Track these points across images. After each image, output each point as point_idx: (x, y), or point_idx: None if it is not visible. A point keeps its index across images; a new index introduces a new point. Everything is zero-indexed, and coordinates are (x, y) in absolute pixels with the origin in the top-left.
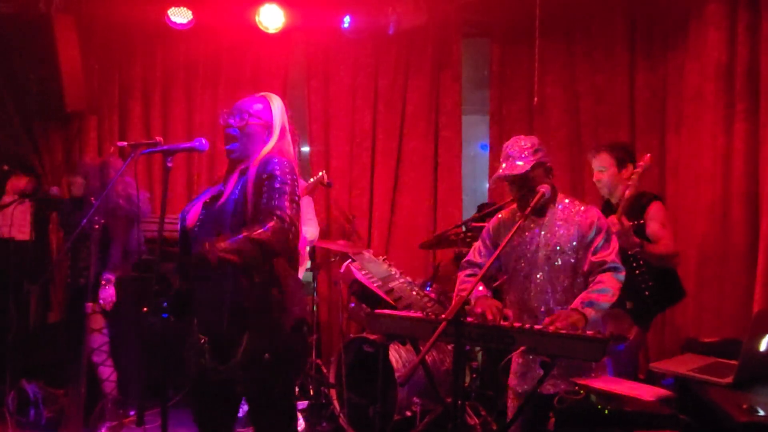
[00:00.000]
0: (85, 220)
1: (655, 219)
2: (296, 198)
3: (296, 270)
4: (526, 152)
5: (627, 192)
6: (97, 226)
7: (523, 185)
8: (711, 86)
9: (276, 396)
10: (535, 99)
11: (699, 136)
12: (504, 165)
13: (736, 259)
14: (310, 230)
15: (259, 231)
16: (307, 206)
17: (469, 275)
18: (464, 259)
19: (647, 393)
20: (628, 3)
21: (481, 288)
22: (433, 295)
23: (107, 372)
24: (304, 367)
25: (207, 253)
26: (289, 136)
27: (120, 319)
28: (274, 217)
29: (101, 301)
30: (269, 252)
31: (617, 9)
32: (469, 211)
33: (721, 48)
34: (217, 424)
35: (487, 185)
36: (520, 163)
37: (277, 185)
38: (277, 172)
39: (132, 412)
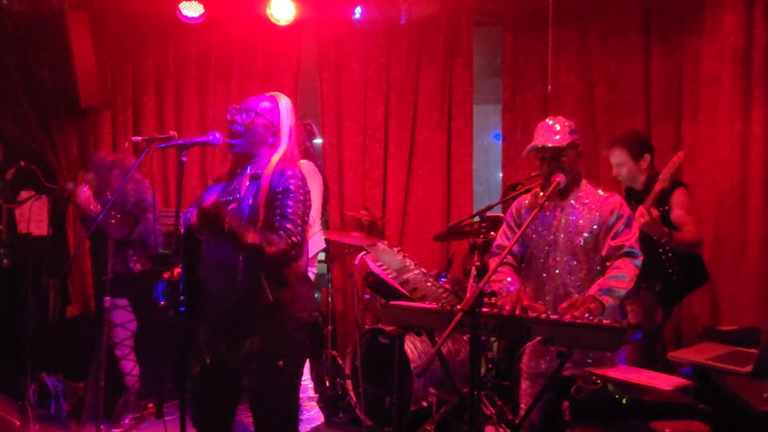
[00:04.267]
0: (101, 216)
1: (679, 205)
2: (306, 215)
3: (305, 274)
4: (562, 129)
5: (658, 186)
6: (113, 221)
7: (553, 160)
8: (728, 71)
9: (282, 394)
10: (549, 87)
11: (716, 122)
12: (538, 138)
13: (754, 247)
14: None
15: (268, 242)
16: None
17: (502, 264)
18: (494, 245)
19: (665, 382)
20: None
21: (510, 279)
22: (447, 286)
23: (129, 366)
24: (318, 359)
25: (220, 216)
26: (294, 138)
27: (140, 312)
28: (283, 238)
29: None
30: (265, 261)
31: None
32: (482, 201)
33: (738, 32)
34: (218, 422)
35: (501, 175)
36: (557, 137)
37: (290, 203)
38: (292, 188)
39: (150, 404)
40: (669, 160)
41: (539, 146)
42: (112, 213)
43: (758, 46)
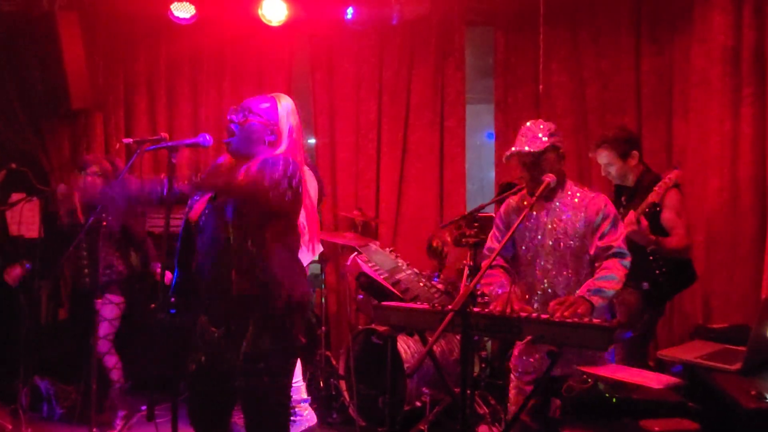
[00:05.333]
0: (91, 219)
1: (670, 207)
2: (293, 179)
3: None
4: (541, 134)
5: (651, 198)
6: (105, 223)
7: (534, 165)
8: (717, 70)
9: (272, 394)
10: (541, 86)
11: (706, 121)
12: (517, 143)
13: (745, 245)
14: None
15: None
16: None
17: (493, 266)
18: (485, 247)
19: (655, 381)
20: None
21: (502, 282)
22: (440, 286)
23: (113, 360)
24: (311, 356)
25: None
26: (297, 139)
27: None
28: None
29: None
30: (235, 195)
31: None
32: (474, 201)
33: (727, 32)
34: (214, 421)
35: (494, 174)
36: (535, 141)
37: (277, 165)
38: (280, 163)
39: (143, 407)
40: (659, 160)
41: (516, 152)
42: (103, 216)
43: (747, 46)
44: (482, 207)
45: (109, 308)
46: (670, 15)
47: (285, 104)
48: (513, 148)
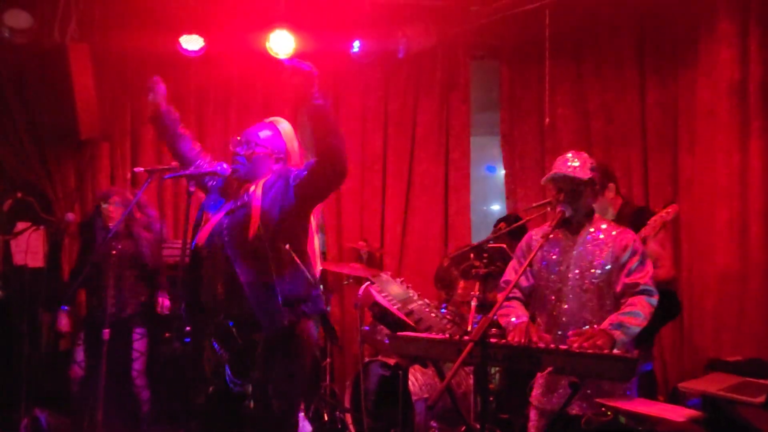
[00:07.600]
0: (102, 247)
1: (654, 239)
2: None
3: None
4: (586, 165)
5: (644, 232)
6: (114, 252)
7: (572, 192)
8: (724, 103)
9: (282, 418)
10: (547, 119)
11: (713, 154)
12: (561, 167)
13: (755, 277)
14: None
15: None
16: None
17: (509, 298)
18: (502, 279)
19: (676, 414)
20: (636, 21)
21: (520, 313)
22: (449, 317)
23: (147, 394)
24: (317, 389)
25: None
26: (297, 160)
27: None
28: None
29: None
30: (335, 148)
31: (625, 27)
32: (478, 233)
33: (733, 66)
34: None
35: (496, 207)
36: (577, 169)
37: None
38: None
39: None
40: (665, 193)
41: (558, 175)
42: (113, 243)
43: (754, 80)
44: (487, 241)
45: (143, 342)
46: (674, 49)
47: (286, 128)
48: (554, 170)
